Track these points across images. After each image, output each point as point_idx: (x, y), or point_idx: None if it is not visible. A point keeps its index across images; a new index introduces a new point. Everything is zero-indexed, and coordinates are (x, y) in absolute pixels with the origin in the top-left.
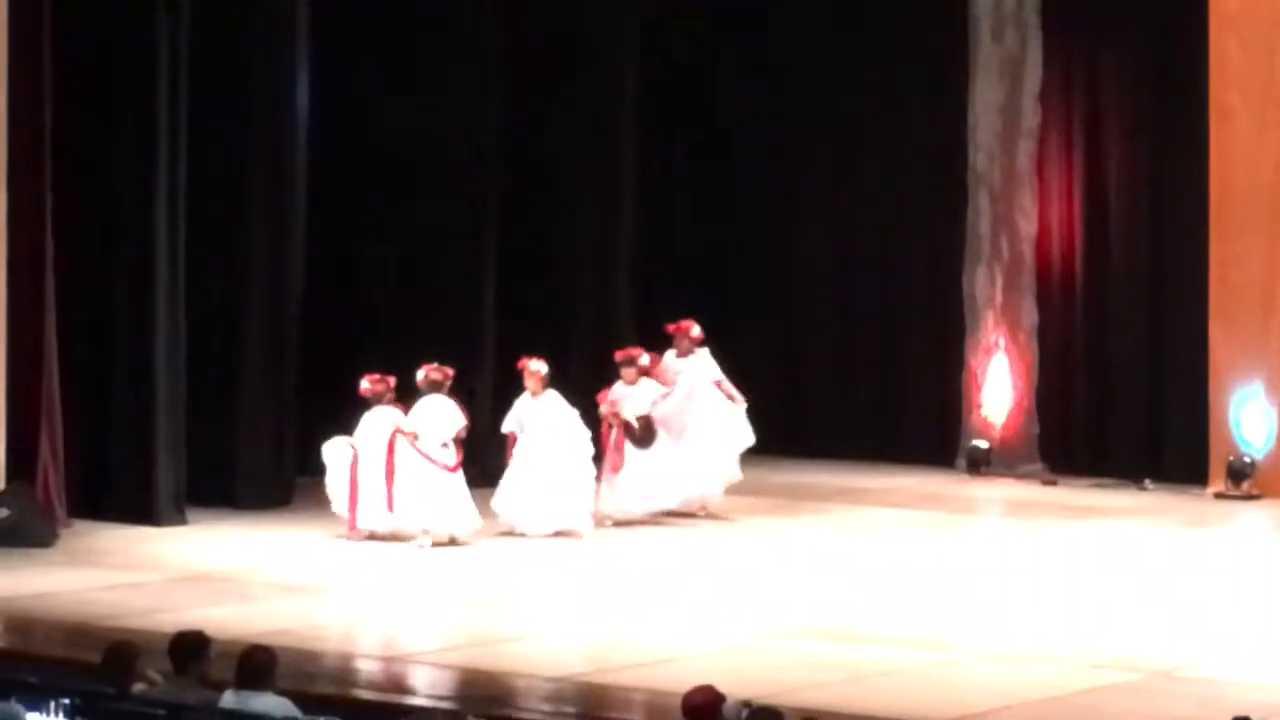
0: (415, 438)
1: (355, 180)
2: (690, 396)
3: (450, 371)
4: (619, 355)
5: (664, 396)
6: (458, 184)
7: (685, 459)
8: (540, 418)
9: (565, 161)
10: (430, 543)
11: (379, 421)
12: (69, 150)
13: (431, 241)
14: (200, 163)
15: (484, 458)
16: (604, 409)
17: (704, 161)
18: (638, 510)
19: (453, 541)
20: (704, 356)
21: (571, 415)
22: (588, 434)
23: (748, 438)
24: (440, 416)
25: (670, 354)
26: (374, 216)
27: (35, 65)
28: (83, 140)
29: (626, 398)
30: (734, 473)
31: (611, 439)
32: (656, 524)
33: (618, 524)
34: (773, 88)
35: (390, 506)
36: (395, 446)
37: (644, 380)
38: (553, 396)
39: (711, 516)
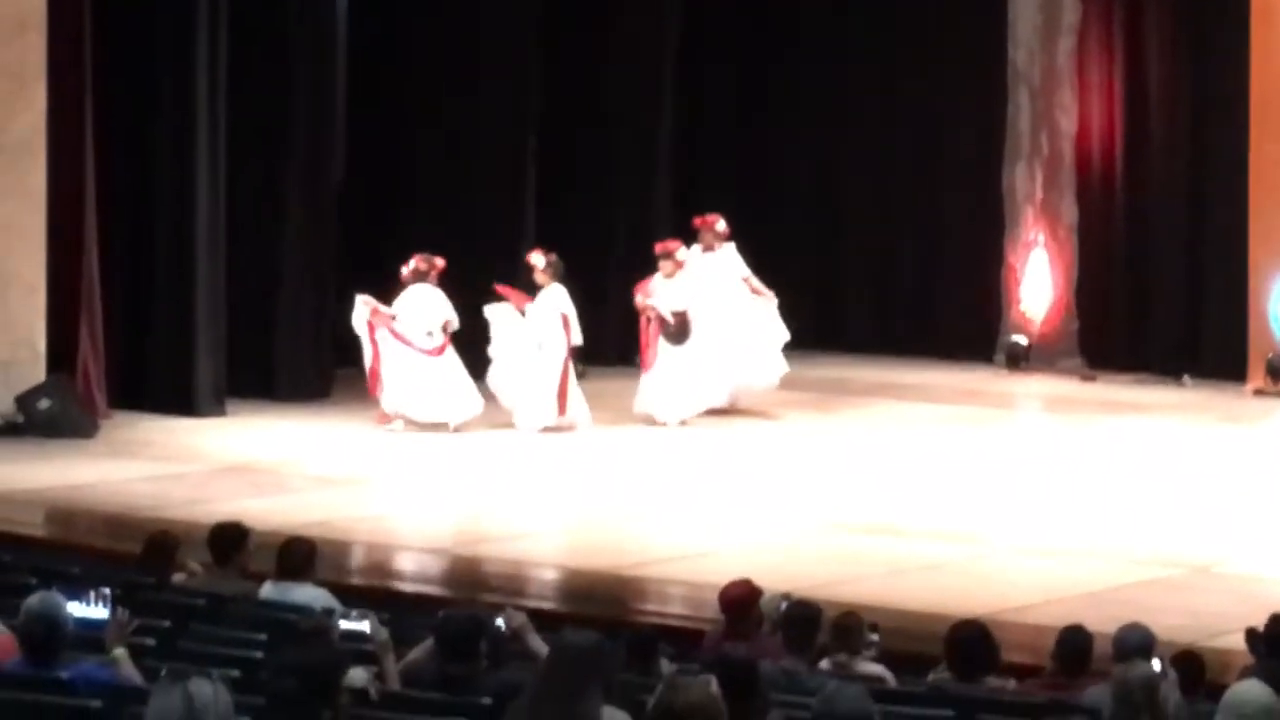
0: (393, 319)
1: (397, 75)
2: (704, 296)
3: (439, 262)
4: (657, 248)
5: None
6: (499, 87)
7: (714, 359)
8: (534, 311)
9: (608, 61)
10: (402, 427)
11: (413, 298)
12: (108, 49)
13: (474, 137)
14: (241, 58)
15: None
16: (639, 300)
17: (744, 59)
18: (662, 418)
19: (446, 427)
20: (730, 251)
21: (550, 310)
22: (557, 330)
23: (782, 334)
24: (424, 305)
25: (696, 249)
26: (415, 112)
27: None
28: (122, 37)
29: (662, 291)
30: (776, 369)
31: (650, 333)
32: (694, 420)
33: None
34: None
35: (374, 390)
36: (375, 330)
37: (681, 274)
38: (552, 290)
39: (744, 413)
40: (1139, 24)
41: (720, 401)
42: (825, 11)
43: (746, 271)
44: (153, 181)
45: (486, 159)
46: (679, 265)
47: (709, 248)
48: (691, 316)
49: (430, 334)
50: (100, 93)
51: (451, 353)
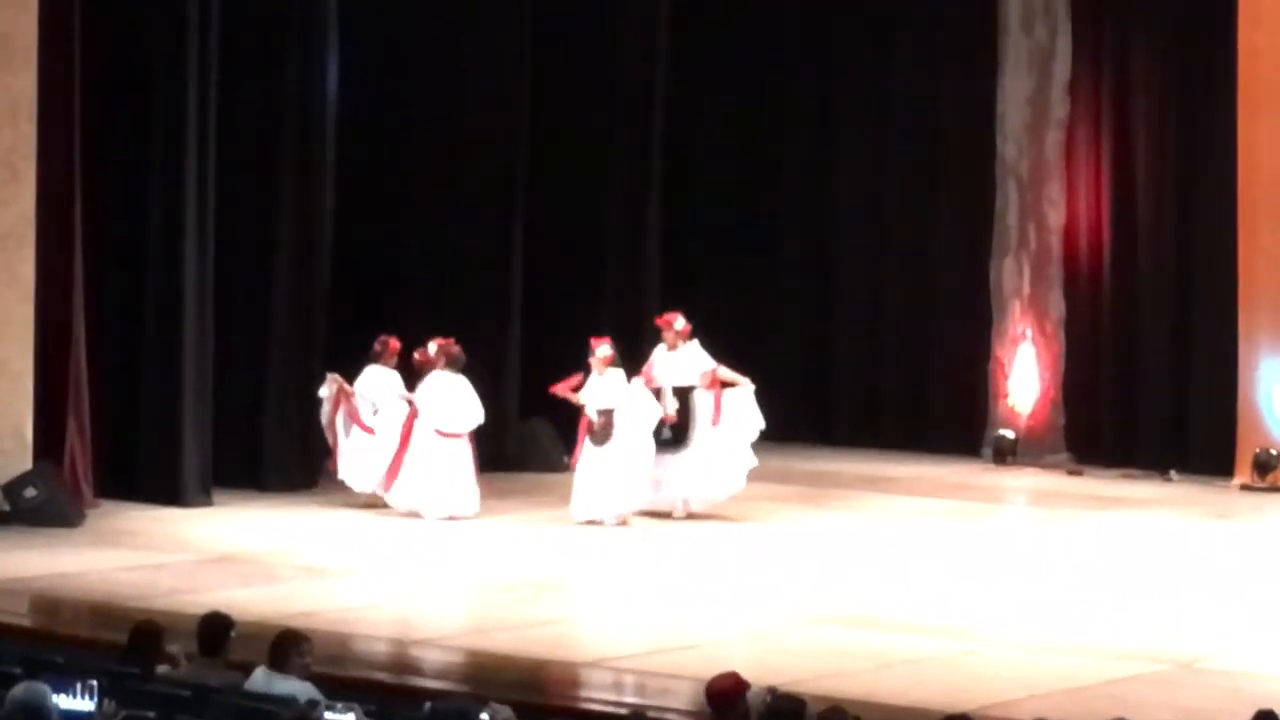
0: (350, 396)
1: (381, 162)
2: (635, 397)
3: (392, 343)
4: (658, 320)
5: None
6: (484, 167)
7: (635, 460)
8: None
9: (594, 146)
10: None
11: (374, 379)
12: (97, 135)
13: (458, 226)
14: (230, 148)
15: (504, 440)
16: (573, 395)
17: (734, 150)
18: (579, 518)
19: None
20: (693, 349)
21: (459, 399)
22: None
23: (757, 422)
24: (374, 384)
25: (661, 348)
26: (399, 202)
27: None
28: (110, 125)
29: (598, 385)
30: (740, 475)
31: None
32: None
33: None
34: (804, 78)
35: (333, 462)
36: (339, 403)
37: (611, 372)
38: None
39: (730, 506)
40: (1127, 118)
41: (647, 503)
42: (813, 102)
43: (713, 365)
44: (141, 272)
45: (472, 248)
46: (680, 335)
47: (672, 346)
48: (617, 418)
49: (376, 411)
50: (90, 180)
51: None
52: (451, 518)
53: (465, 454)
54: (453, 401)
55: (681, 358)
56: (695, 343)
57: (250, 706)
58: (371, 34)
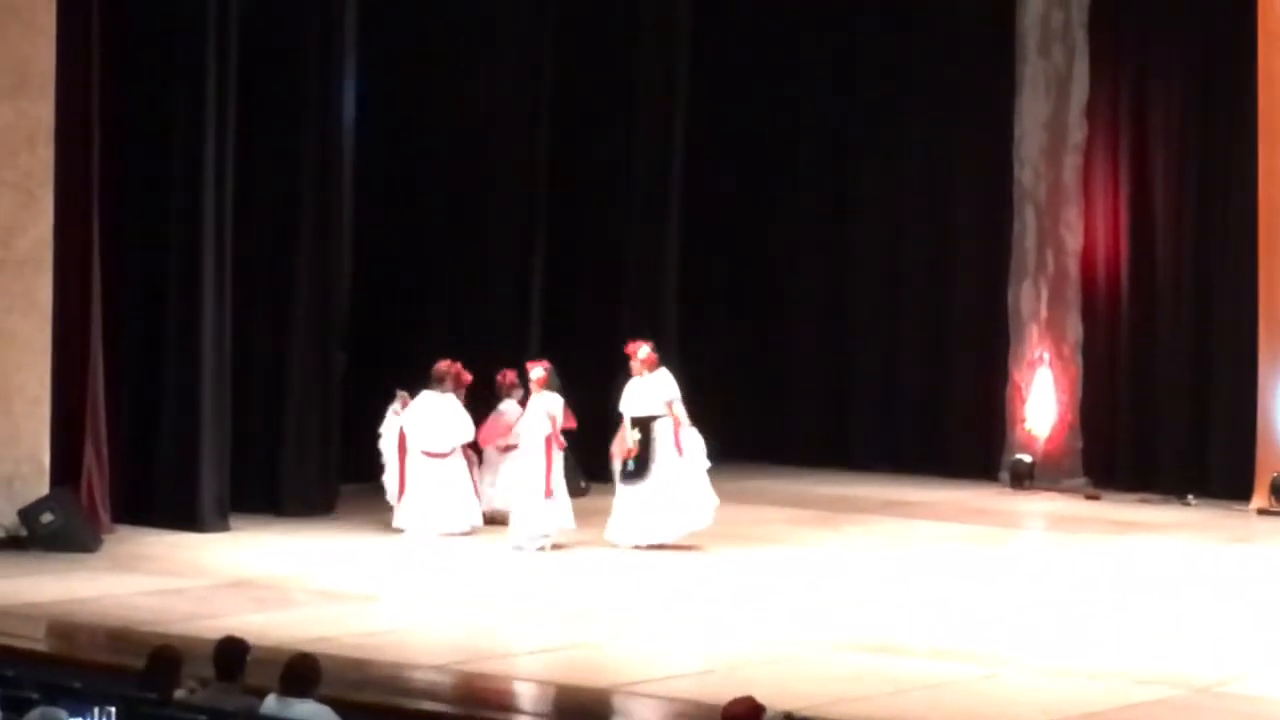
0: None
1: (401, 191)
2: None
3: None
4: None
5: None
6: (502, 197)
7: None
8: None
9: (613, 170)
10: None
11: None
12: (117, 163)
13: (479, 249)
14: (249, 174)
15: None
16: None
17: (751, 176)
18: (624, 543)
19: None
20: (659, 376)
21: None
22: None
23: (703, 464)
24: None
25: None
26: (419, 227)
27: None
28: (131, 152)
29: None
30: (707, 508)
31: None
32: (688, 533)
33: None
34: (821, 102)
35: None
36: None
37: (655, 373)
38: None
39: (747, 528)
40: (1144, 142)
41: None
42: (829, 129)
43: (671, 396)
44: (159, 297)
45: (493, 275)
46: (645, 364)
47: (637, 373)
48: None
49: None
50: (108, 207)
51: (418, 462)
52: (449, 534)
53: (456, 471)
54: (436, 421)
55: (646, 386)
56: (663, 371)
57: None
58: (390, 55)
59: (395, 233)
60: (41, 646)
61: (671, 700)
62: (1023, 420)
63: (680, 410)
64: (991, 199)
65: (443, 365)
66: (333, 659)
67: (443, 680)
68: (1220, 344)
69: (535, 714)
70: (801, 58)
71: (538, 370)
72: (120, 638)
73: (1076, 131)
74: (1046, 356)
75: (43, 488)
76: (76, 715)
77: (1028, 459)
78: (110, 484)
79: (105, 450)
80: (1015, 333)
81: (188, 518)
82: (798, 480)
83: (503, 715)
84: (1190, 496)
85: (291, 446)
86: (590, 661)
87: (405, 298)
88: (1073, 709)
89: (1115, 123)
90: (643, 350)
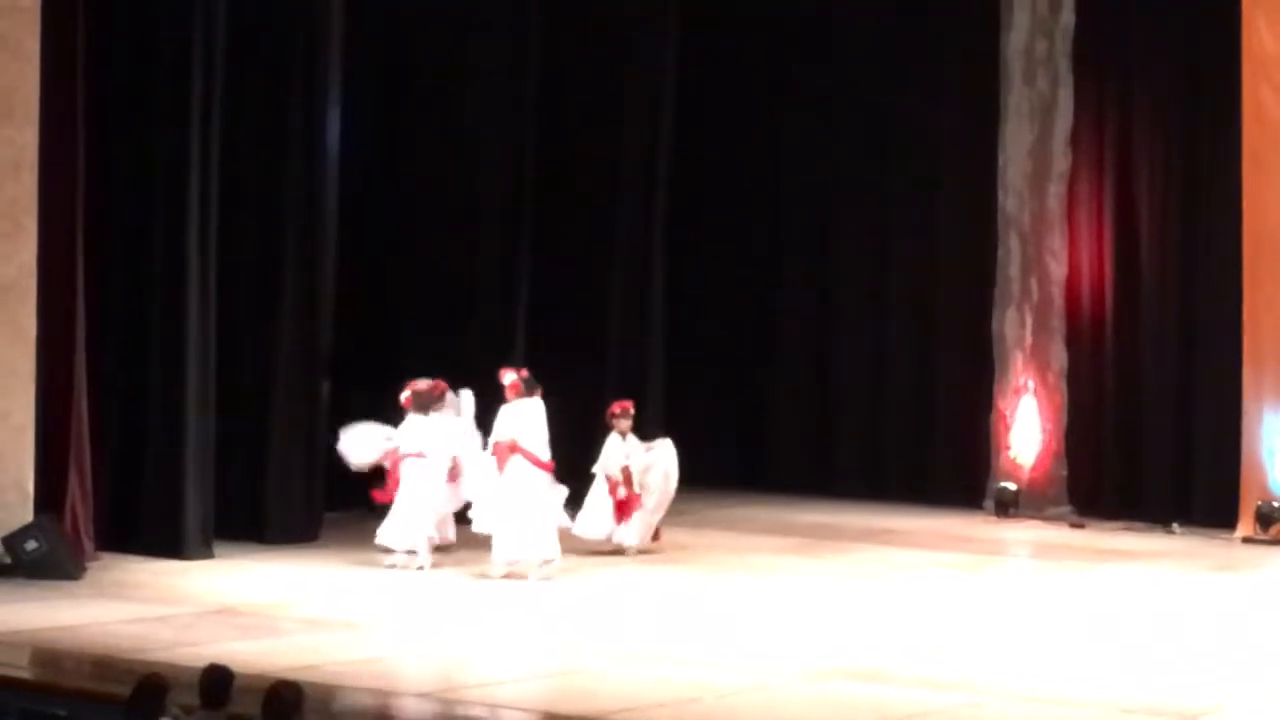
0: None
1: (384, 215)
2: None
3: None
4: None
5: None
6: (489, 213)
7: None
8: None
9: (598, 194)
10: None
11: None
12: (100, 188)
13: (464, 277)
14: (232, 198)
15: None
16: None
17: (734, 202)
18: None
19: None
20: (518, 408)
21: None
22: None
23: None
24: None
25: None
26: (404, 246)
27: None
28: (116, 180)
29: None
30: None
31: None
32: (673, 561)
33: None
34: (806, 129)
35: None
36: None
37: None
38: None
39: (732, 557)
40: (1129, 170)
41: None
42: (814, 153)
43: (515, 434)
44: (143, 324)
45: (479, 302)
46: (510, 390)
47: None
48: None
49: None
50: (93, 235)
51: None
52: (440, 546)
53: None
54: (428, 433)
55: (507, 414)
56: (526, 401)
57: None
58: (376, 72)
59: (376, 262)
60: (25, 674)
61: None
62: (1007, 448)
63: (527, 445)
64: (976, 227)
65: (426, 385)
66: (317, 687)
67: (426, 709)
68: (1205, 371)
69: None
70: (786, 85)
71: (509, 376)
72: (104, 665)
73: (1061, 159)
74: (1031, 384)
75: (27, 515)
76: None
77: (1012, 487)
78: (94, 511)
79: (89, 477)
80: (1000, 360)
81: (172, 545)
82: (781, 508)
83: None
84: (1175, 525)
85: (275, 474)
86: (576, 689)
87: (390, 324)
88: None
89: (1100, 151)
90: (506, 377)
